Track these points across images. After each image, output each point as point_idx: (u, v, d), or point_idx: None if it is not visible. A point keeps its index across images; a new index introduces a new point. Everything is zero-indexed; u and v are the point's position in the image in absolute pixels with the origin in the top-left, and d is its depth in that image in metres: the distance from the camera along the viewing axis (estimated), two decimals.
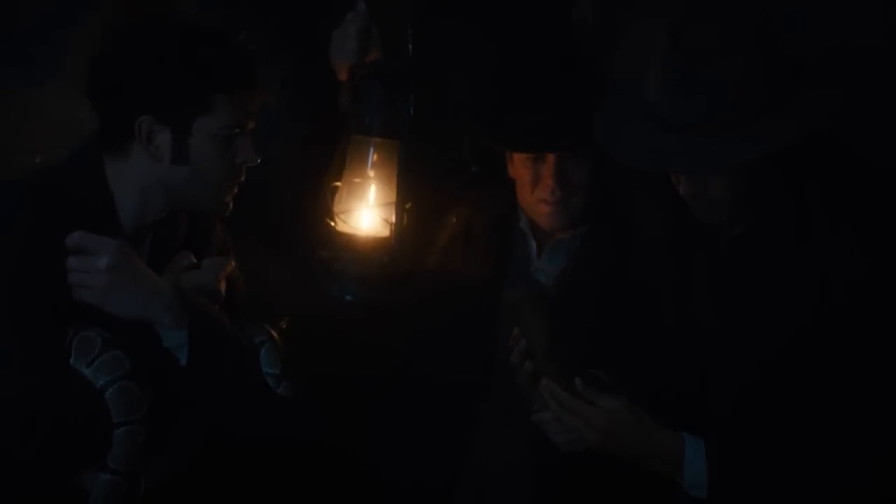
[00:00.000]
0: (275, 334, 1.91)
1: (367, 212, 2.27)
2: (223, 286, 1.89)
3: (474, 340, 2.26)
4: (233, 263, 1.94)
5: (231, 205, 1.89)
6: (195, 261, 1.89)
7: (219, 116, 1.79)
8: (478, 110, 2.29)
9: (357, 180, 2.28)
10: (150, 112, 1.76)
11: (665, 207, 1.99)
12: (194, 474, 1.90)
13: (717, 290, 1.90)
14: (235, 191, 1.89)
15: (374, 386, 2.31)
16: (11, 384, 1.66)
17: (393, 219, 2.24)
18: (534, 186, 2.22)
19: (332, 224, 2.28)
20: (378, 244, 2.26)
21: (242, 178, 1.88)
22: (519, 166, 2.25)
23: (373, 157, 2.27)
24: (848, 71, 1.86)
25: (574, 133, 2.10)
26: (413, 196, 2.24)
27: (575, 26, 2.61)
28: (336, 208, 2.28)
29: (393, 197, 2.24)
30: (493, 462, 2.27)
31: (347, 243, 2.27)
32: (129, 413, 1.71)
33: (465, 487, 2.30)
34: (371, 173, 2.27)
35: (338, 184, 2.28)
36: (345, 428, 2.30)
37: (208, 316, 1.82)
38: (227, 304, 1.90)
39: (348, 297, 2.27)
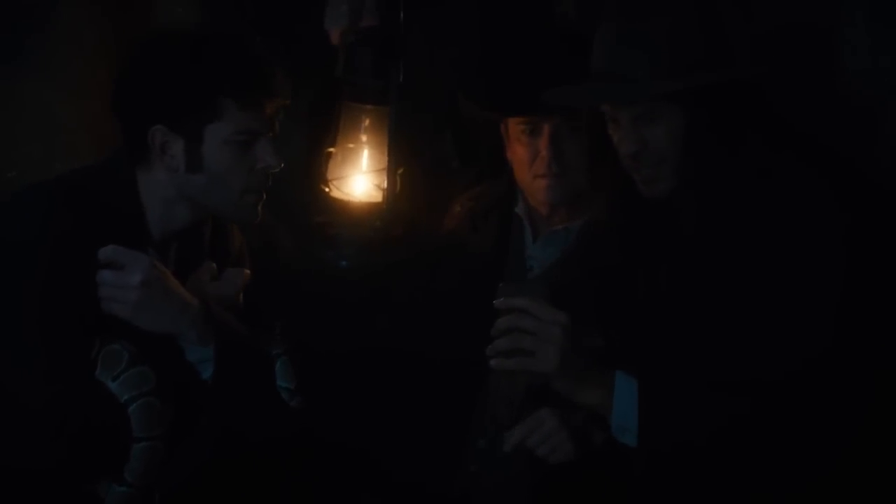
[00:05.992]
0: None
1: (359, 178, 2.30)
2: (241, 297, 1.88)
3: (474, 322, 2.25)
4: (249, 272, 1.91)
5: (260, 213, 1.83)
6: (217, 271, 1.87)
7: (230, 122, 1.74)
8: (467, 77, 2.30)
9: (350, 146, 2.31)
10: (161, 121, 1.74)
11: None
12: (197, 483, 1.87)
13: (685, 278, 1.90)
14: (263, 197, 1.82)
15: (372, 371, 2.29)
16: (38, 392, 1.64)
17: (385, 185, 2.26)
18: (531, 163, 2.21)
19: (327, 190, 2.30)
20: (371, 209, 2.29)
21: (269, 184, 1.81)
22: (515, 143, 2.23)
23: (365, 123, 2.30)
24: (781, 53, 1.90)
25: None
26: (404, 162, 2.26)
27: (558, 19, 2.65)
28: (330, 175, 2.30)
29: (385, 163, 2.26)
30: (489, 458, 2.25)
31: (341, 209, 2.29)
32: (151, 429, 1.70)
33: (461, 483, 2.27)
34: (364, 139, 2.30)
35: (332, 150, 2.31)
36: (344, 421, 2.26)
37: (233, 331, 1.81)
38: (245, 312, 1.88)
39: (343, 263, 2.28)
